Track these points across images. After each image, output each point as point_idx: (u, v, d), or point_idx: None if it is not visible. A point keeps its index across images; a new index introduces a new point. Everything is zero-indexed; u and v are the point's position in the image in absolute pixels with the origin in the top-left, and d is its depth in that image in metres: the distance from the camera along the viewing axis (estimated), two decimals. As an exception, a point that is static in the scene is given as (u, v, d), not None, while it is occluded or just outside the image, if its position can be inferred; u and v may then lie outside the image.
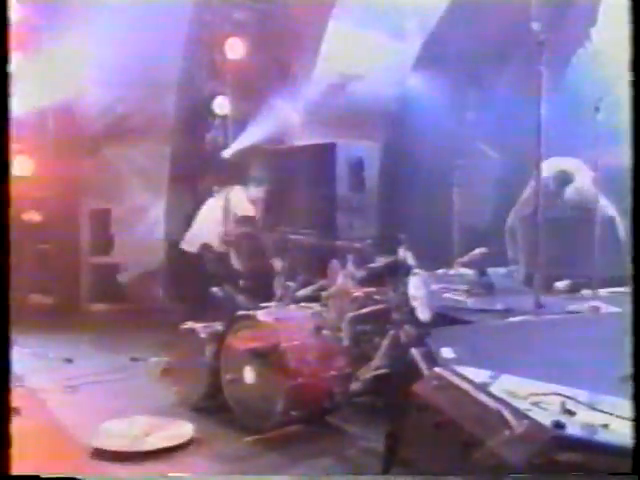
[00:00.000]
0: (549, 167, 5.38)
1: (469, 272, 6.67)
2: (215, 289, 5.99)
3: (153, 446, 3.85)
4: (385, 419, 3.47)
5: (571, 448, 2.22)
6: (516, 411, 2.45)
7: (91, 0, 6.82)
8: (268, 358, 4.09)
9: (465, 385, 2.77)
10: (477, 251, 6.89)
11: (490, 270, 6.44)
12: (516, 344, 3.82)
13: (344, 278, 4.39)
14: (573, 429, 2.29)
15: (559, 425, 2.28)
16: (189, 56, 7.76)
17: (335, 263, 4.46)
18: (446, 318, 4.55)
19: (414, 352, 3.78)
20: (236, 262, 6.39)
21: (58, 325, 6.98)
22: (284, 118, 8.03)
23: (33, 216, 7.46)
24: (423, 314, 4.12)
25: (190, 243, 6.65)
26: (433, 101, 8.43)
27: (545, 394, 2.65)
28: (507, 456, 2.30)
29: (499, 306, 5.07)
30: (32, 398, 4.68)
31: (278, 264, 5.53)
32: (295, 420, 4.15)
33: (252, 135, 7.92)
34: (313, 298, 4.78)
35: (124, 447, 3.83)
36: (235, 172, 7.45)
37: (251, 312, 4.44)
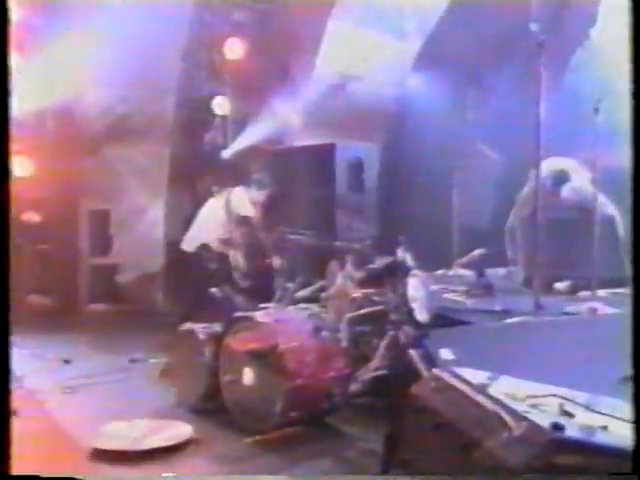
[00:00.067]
0: (545, 167, 5.38)
1: (468, 273, 6.67)
2: (214, 290, 5.99)
3: (151, 445, 3.84)
4: (384, 420, 3.47)
5: (570, 450, 2.22)
6: (515, 413, 2.44)
7: (91, 0, 6.82)
8: (267, 359, 4.09)
9: (463, 387, 2.77)
10: (476, 252, 6.90)
11: (489, 271, 6.45)
12: (515, 345, 3.81)
13: (343, 279, 4.39)
14: (572, 431, 2.28)
15: (558, 427, 2.27)
16: (189, 56, 7.76)
17: (334, 264, 4.46)
18: (445, 319, 4.55)
19: (413, 353, 3.78)
20: (236, 263, 6.38)
21: (57, 326, 6.97)
22: (283, 118, 8.03)
23: (32, 217, 7.45)
24: (422, 315, 4.12)
25: (190, 244, 6.64)
26: (433, 101, 8.44)
27: (544, 396, 2.64)
28: (505, 458, 2.29)
29: (498, 307, 5.07)
30: (31, 399, 4.67)
31: (277, 265, 5.54)
32: (294, 421, 4.14)
33: (251, 135, 7.92)
34: (312, 299, 4.79)
35: (123, 448, 3.83)
36: (234, 172, 7.45)
37: (250, 313, 4.44)
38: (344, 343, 4.23)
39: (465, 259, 7.01)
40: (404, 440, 3.01)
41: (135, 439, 3.93)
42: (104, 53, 6.65)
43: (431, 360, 3.50)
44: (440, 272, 6.99)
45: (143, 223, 7.83)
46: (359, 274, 4.42)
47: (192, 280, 6.64)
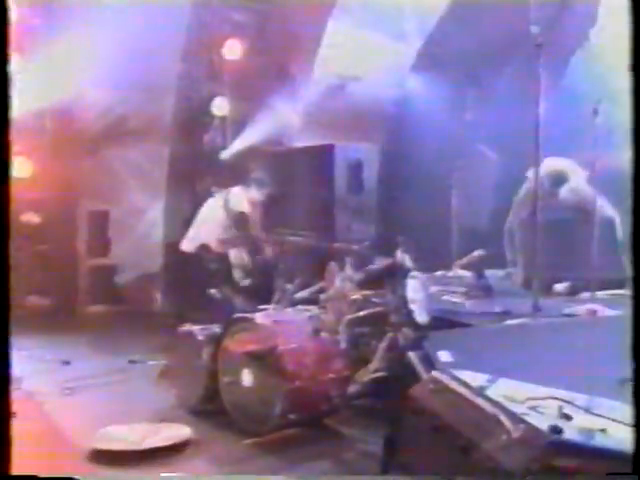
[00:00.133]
0: (543, 168, 5.37)
1: (467, 274, 6.66)
2: (213, 291, 5.98)
3: (150, 445, 3.84)
4: (383, 422, 3.47)
5: (568, 453, 2.21)
6: (513, 415, 2.44)
7: (90, 1, 6.82)
8: (266, 361, 4.09)
9: (462, 389, 2.76)
10: (475, 253, 6.89)
11: (488, 272, 6.44)
12: (514, 347, 3.80)
13: (342, 281, 4.38)
14: (570, 433, 2.28)
15: (556, 430, 2.27)
16: (188, 57, 7.77)
17: (333, 265, 4.45)
18: (444, 321, 4.54)
19: (412, 355, 3.77)
20: (239, 261, 6.36)
21: (56, 327, 6.96)
22: (283, 119, 8.03)
23: (31, 217, 7.45)
24: (421, 317, 4.11)
25: (190, 244, 6.63)
26: (432, 102, 8.43)
27: (543, 398, 2.64)
28: (504, 461, 2.29)
29: (497, 309, 5.06)
30: (29, 401, 4.67)
31: (275, 262, 5.53)
32: (293, 423, 4.13)
33: (251, 136, 7.92)
34: (311, 301, 4.77)
35: (122, 448, 3.83)
36: (234, 173, 7.45)
37: (249, 315, 4.44)
38: (343, 345, 4.22)
39: (464, 260, 7.00)
40: (403, 442, 3.01)
41: (134, 441, 3.92)
42: (103, 54, 6.64)
43: (430, 362, 3.49)
44: (439, 273, 6.97)
45: (142, 224, 7.84)
46: (358, 275, 4.41)
47: (191, 281, 6.64)
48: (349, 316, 4.27)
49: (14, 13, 6.39)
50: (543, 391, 2.73)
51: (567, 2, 8.31)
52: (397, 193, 8.42)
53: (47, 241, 7.78)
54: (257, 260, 6.31)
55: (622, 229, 6.05)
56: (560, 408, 2.54)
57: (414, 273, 4.21)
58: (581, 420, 2.45)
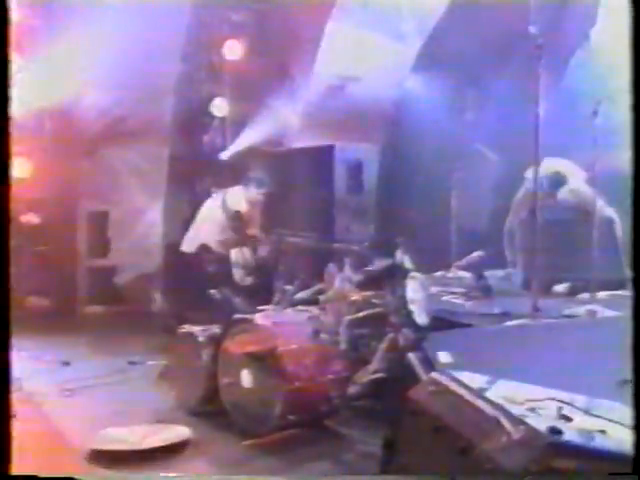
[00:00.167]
0: (541, 168, 5.37)
1: (467, 275, 6.66)
2: (213, 291, 5.98)
3: (150, 445, 3.84)
4: (383, 423, 3.46)
5: (568, 454, 2.21)
6: (513, 417, 2.44)
7: (89, 1, 6.82)
8: (265, 362, 4.08)
9: (462, 390, 2.76)
10: (475, 254, 6.90)
11: (488, 273, 6.44)
12: (513, 348, 3.81)
13: (342, 282, 4.37)
14: (570, 435, 2.28)
15: (556, 431, 2.27)
16: (187, 58, 7.76)
17: (332, 267, 4.45)
18: (444, 322, 4.54)
19: (411, 356, 3.77)
20: (241, 259, 6.35)
21: (55, 328, 6.94)
22: (282, 120, 8.03)
23: (31, 218, 7.45)
24: (421, 318, 4.11)
25: (190, 245, 6.62)
26: (432, 103, 8.43)
27: (542, 399, 2.64)
28: (504, 462, 2.29)
29: (497, 310, 5.07)
30: (29, 402, 4.66)
31: (276, 267, 5.52)
32: (293, 424, 4.13)
33: (250, 137, 7.92)
34: (311, 301, 4.77)
35: (121, 449, 3.83)
36: (233, 174, 7.44)
37: (248, 316, 4.44)
38: (343, 346, 4.22)
39: (464, 261, 7.01)
40: (402, 443, 3.01)
41: (133, 442, 3.92)
42: (103, 54, 6.64)
43: (429, 363, 3.50)
44: (439, 274, 6.98)
45: (142, 224, 7.83)
46: (358, 276, 4.40)
47: (191, 282, 6.63)
48: (349, 317, 4.26)
49: (14, 13, 6.38)
50: (543, 392, 2.73)
51: (567, 2, 8.31)
52: (397, 193, 8.41)
53: (46, 242, 7.78)
54: (257, 259, 6.30)
55: (622, 230, 6.05)
56: (559, 409, 2.54)
57: (414, 274, 4.21)
58: (580, 421, 2.45)
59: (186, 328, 4.79)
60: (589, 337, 3.97)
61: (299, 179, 7.10)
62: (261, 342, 4.15)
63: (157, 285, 7.81)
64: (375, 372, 4.11)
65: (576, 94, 7.13)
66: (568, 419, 2.45)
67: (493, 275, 6.63)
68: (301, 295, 5.00)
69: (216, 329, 4.58)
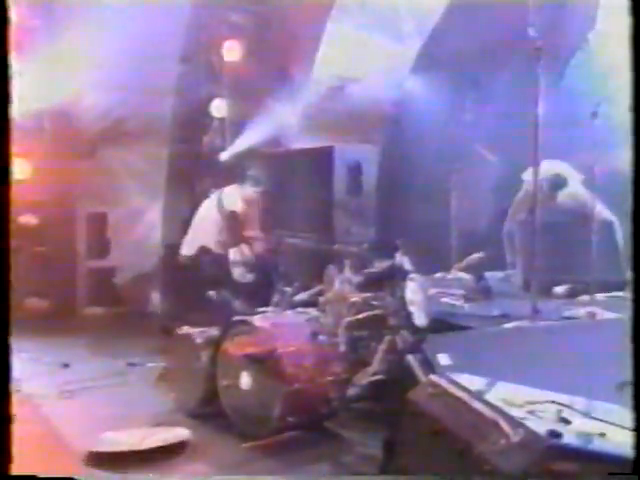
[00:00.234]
0: (541, 170, 5.37)
1: (466, 277, 6.66)
2: (211, 293, 5.97)
3: (149, 445, 3.83)
4: (382, 425, 3.47)
5: (567, 457, 2.21)
6: (512, 419, 2.44)
7: (89, 1, 6.82)
8: (264, 364, 4.08)
9: (461, 393, 2.76)
10: (475, 255, 6.89)
11: (487, 274, 6.43)
12: (513, 350, 3.81)
13: (341, 283, 4.37)
14: (569, 438, 2.27)
15: (555, 434, 2.27)
16: (187, 59, 7.75)
17: (332, 268, 4.44)
18: (443, 323, 4.54)
19: (411, 358, 3.77)
20: (241, 257, 6.34)
21: (54, 329, 6.93)
22: (281, 121, 8.02)
23: (30, 219, 7.44)
24: (420, 319, 4.11)
25: (189, 247, 6.61)
26: (431, 104, 8.42)
27: (541, 402, 2.63)
28: (503, 465, 2.29)
29: (496, 311, 5.06)
30: (28, 403, 4.66)
31: (275, 268, 5.52)
32: (292, 426, 4.13)
33: (249, 138, 7.91)
34: (310, 303, 4.77)
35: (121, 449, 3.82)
36: (232, 175, 7.43)
37: (247, 317, 4.43)
38: (342, 347, 4.22)
39: (463, 263, 7.00)
40: (402, 445, 3.01)
41: (132, 443, 3.91)
42: (103, 55, 6.64)
43: (429, 365, 3.50)
44: (438, 275, 6.97)
45: (141, 226, 7.83)
46: (357, 278, 4.40)
47: (190, 283, 6.62)
48: (348, 319, 4.26)
49: (14, 13, 6.38)
50: (542, 395, 2.73)
51: (566, 3, 8.31)
52: (396, 195, 8.40)
53: (46, 243, 7.77)
54: (257, 256, 6.29)
55: (621, 231, 6.05)
56: (559, 412, 2.54)
57: (413, 275, 4.21)
58: (580, 424, 2.45)
59: (185, 330, 4.79)
60: (588, 339, 3.97)
61: (298, 180, 7.09)
62: (260, 344, 4.14)
63: (156, 286, 7.80)
64: (374, 374, 4.11)
65: (576, 95, 7.13)
66: (567, 422, 2.46)
67: (493, 276, 6.63)
68: (300, 296, 5.00)
69: (215, 331, 4.58)
